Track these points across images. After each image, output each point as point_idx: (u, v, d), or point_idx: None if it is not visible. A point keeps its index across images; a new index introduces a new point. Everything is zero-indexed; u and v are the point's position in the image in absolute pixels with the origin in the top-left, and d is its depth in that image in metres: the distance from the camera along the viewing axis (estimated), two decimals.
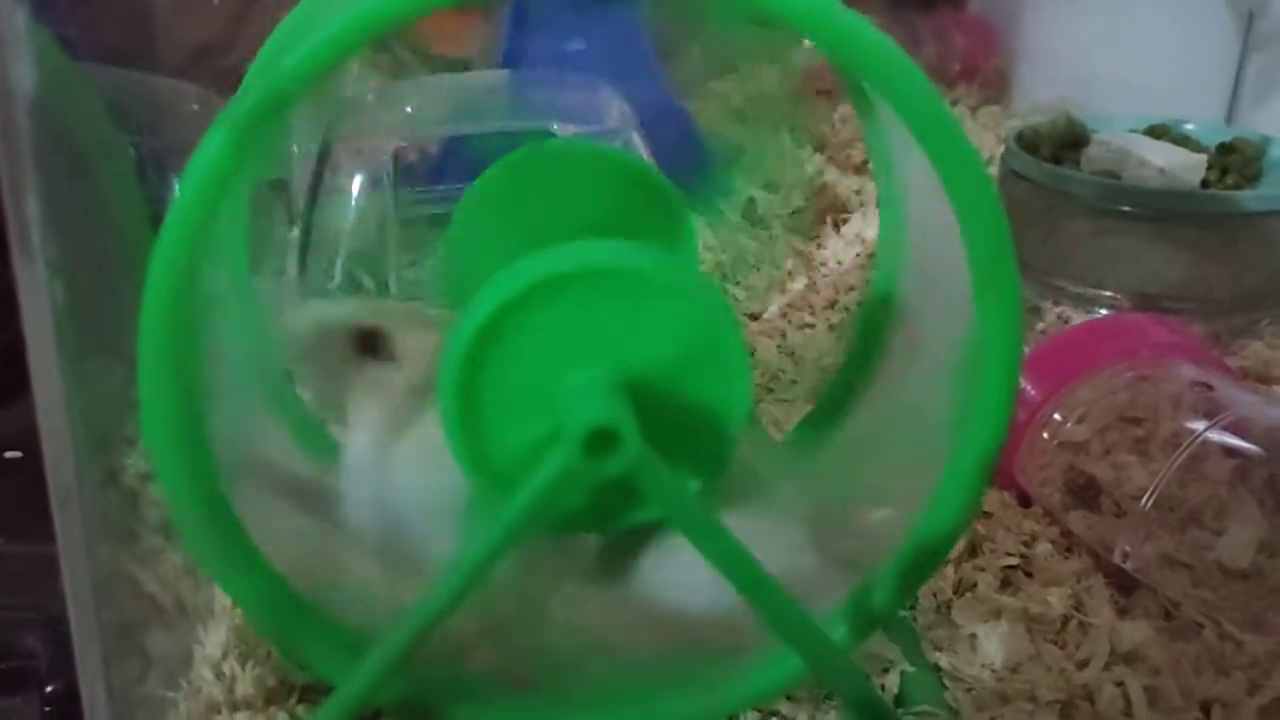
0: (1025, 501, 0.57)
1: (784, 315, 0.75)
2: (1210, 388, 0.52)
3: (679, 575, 0.39)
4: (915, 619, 0.49)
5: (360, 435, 0.41)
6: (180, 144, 0.66)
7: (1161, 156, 0.74)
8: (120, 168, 0.58)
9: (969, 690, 0.45)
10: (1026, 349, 0.37)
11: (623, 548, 0.40)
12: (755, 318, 0.75)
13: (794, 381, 0.68)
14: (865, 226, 0.84)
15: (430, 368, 0.36)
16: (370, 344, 0.41)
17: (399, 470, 0.40)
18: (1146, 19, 1.06)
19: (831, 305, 0.76)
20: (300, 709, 0.43)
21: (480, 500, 0.37)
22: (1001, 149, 0.82)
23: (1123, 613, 0.49)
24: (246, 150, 0.32)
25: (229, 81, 0.82)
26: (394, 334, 0.41)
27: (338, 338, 0.41)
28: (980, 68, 1.18)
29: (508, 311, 0.33)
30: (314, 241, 0.68)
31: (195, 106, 0.73)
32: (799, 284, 0.79)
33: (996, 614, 0.49)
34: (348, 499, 0.41)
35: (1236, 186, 0.75)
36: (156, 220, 0.33)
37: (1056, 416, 0.54)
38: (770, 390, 0.67)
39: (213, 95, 0.76)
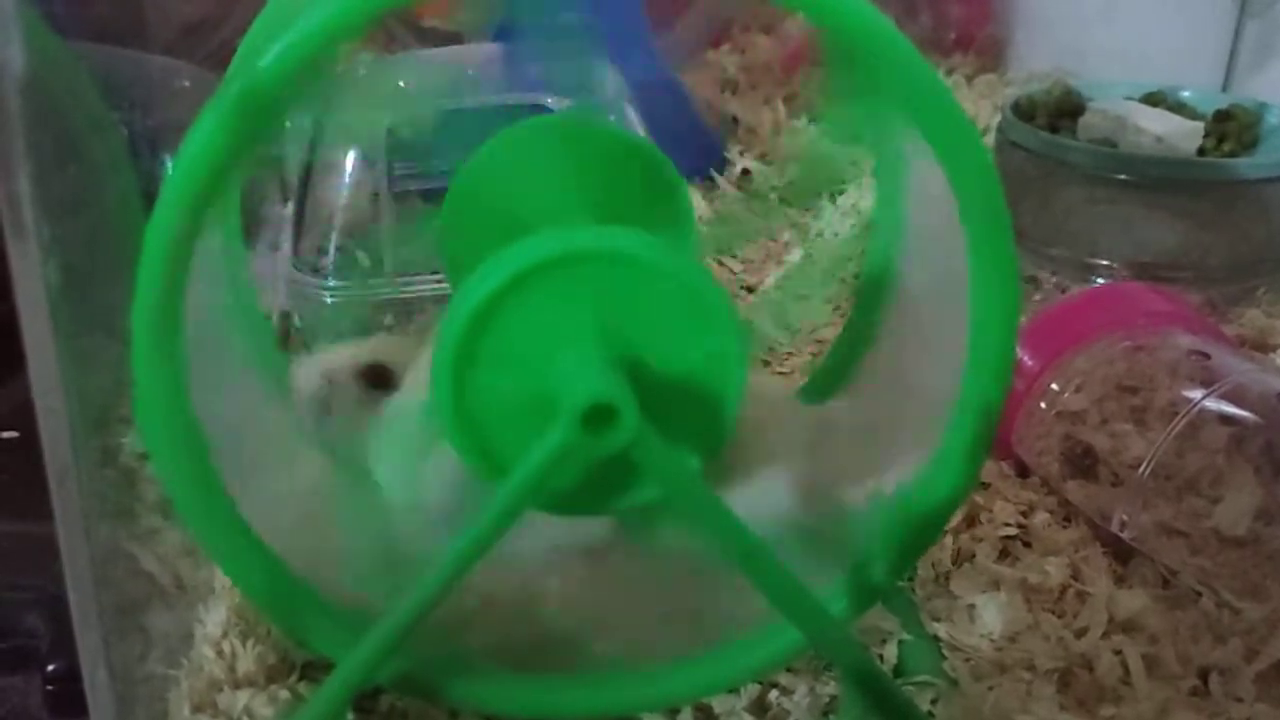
0: (1023, 471, 0.57)
1: (780, 287, 0.75)
2: (1207, 356, 0.52)
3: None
4: (914, 590, 0.49)
5: (389, 469, 0.42)
6: (172, 122, 0.66)
7: (1158, 124, 0.74)
8: (111, 146, 0.58)
9: (968, 660, 0.45)
10: (1023, 319, 0.36)
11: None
12: (751, 289, 0.75)
13: (790, 353, 0.68)
14: (861, 197, 0.84)
15: None
16: (378, 379, 0.42)
17: (431, 490, 0.41)
18: None
19: (828, 277, 0.76)
20: (301, 686, 0.43)
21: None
22: (997, 118, 0.82)
23: (1120, 581, 0.50)
24: (239, 137, 0.31)
25: (220, 58, 0.82)
26: (397, 364, 0.42)
27: (347, 383, 0.42)
28: (975, 36, 1.18)
29: (503, 293, 0.33)
30: (308, 217, 0.68)
31: (186, 84, 0.73)
32: (795, 255, 0.78)
33: (995, 584, 0.49)
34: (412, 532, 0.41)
35: (1233, 154, 0.75)
36: (149, 198, 0.32)
37: (1054, 386, 0.54)
38: (767, 362, 0.67)
39: (204, 72, 0.76)
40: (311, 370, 0.43)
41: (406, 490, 0.41)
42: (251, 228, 0.67)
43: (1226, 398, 0.49)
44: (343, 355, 0.43)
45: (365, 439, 0.42)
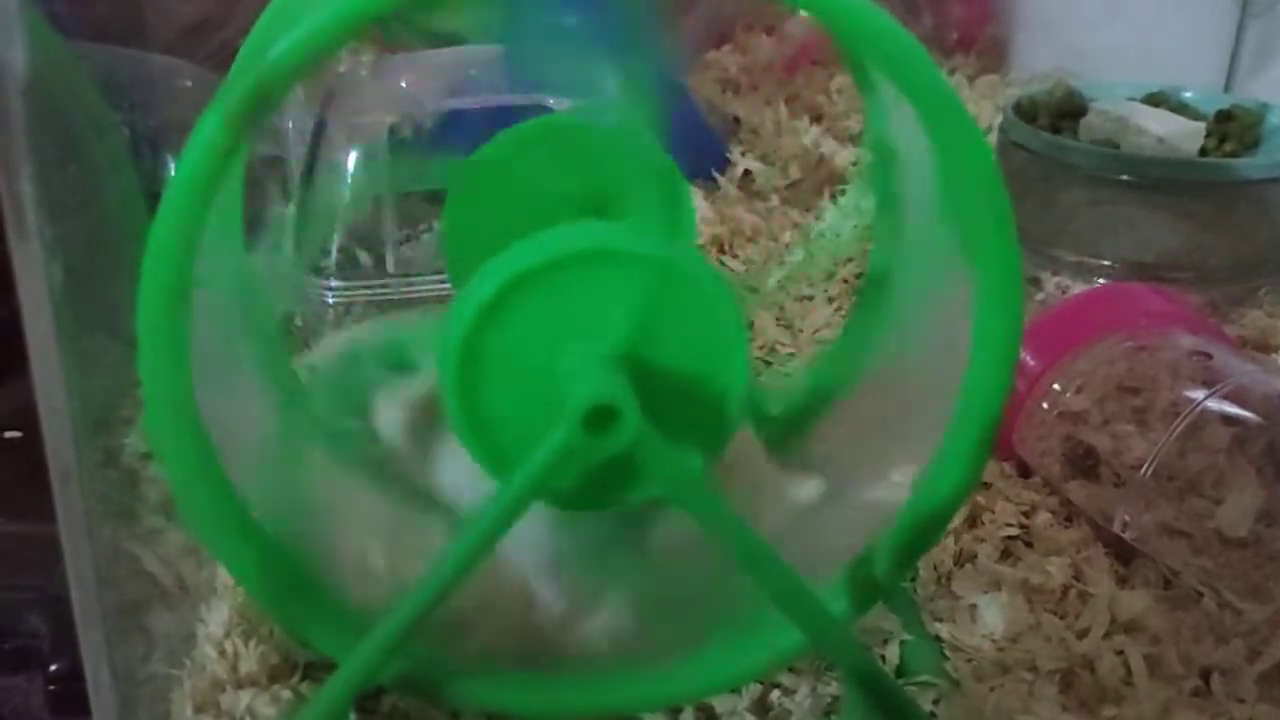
0: (1025, 472, 0.57)
1: (782, 287, 0.75)
2: (1209, 356, 0.52)
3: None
4: (915, 590, 0.49)
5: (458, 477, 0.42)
6: (173, 121, 0.66)
7: (1160, 125, 0.74)
8: (113, 145, 0.58)
9: (970, 660, 0.45)
10: (1025, 319, 0.36)
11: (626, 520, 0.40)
12: (753, 290, 0.75)
13: (792, 354, 0.68)
14: (863, 197, 0.84)
15: None
16: (403, 364, 0.42)
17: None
18: None
19: (829, 277, 0.75)
20: (304, 686, 0.43)
21: None
22: (999, 118, 0.82)
23: (1122, 582, 0.50)
24: (240, 135, 0.31)
25: (221, 58, 0.82)
26: (420, 354, 0.42)
27: (427, 409, 0.42)
28: (977, 36, 1.18)
29: (508, 292, 0.33)
30: (310, 218, 0.68)
31: (188, 83, 0.73)
32: (797, 256, 0.78)
33: (996, 584, 0.49)
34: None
35: (1235, 154, 0.75)
36: (151, 198, 0.32)
37: (1055, 387, 0.54)
38: (768, 363, 0.67)
39: (205, 72, 0.76)
40: (397, 403, 0.43)
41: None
42: (252, 228, 0.67)
43: (1228, 398, 0.49)
44: (426, 382, 0.43)
45: (441, 457, 0.43)
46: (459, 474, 0.41)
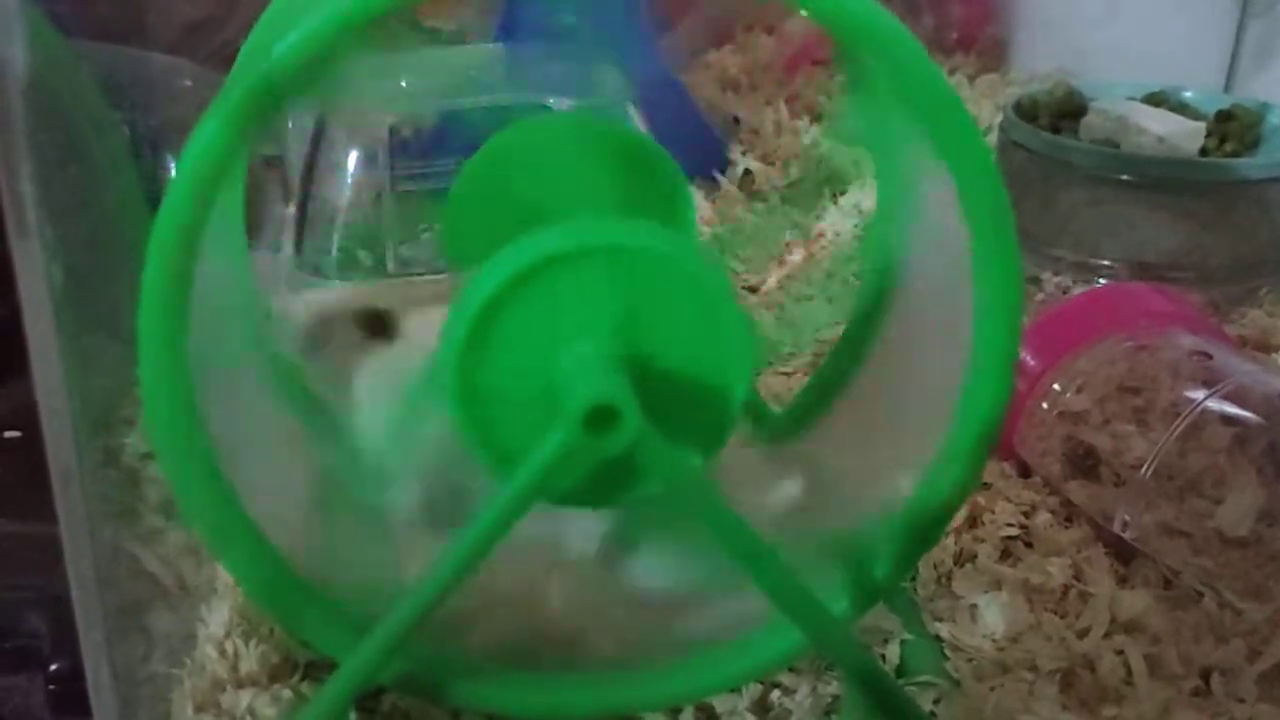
0: (1025, 472, 0.57)
1: (782, 287, 0.75)
2: (1209, 356, 0.52)
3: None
4: (916, 590, 0.49)
5: (372, 415, 0.42)
6: (173, 121, 0.66)
7: (1160, 124, 0.74)
8: (114, 145, 0.58)
9: (970, 660, 0.45)
10: (1026, 319, 0.36)
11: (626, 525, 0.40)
12: (753, 290, 0.75)
13: (793, 353, 0.67)
14: (863, 197, 0.84)
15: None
16: (377, 326, 0.41)
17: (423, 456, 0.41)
18: None
19: (830, 277, 0.75)
20: (304, 686, 0.43)
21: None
22: (999, 118, 0.82)
23: (1122, 582, 0.50)
24: (242, 139, 0.31)
25: (222, 58, 0.82)
26: (397, 314, 0.41)
27: (339, 323, 0.41)
28: (978, 36, 1.18)
29: (508, 290, 0.33)
30: (310, 217, 0.68)
31: (188, 83, 0.73)
32: (797, 256, 0.78)
33: (997, 584, 0.49)
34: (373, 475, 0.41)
35: (1235, 154, 0.75)
36: (151, 197, 0.32)
37: (1056, 387, 0.54)
38: (769, 363, 0.67)
39: (206, 71, 0.76)
40: (308, 303, 0.43)
41: (390, 445, 0.41)
42: (253, 228, 0.67)
43: (1229, 398, 0.49)
44: (344, 295, 0.43)
45: (356, 381, 0.42)
46: (383, 411, 0.41)
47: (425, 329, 0.41)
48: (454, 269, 0.47)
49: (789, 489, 0.43)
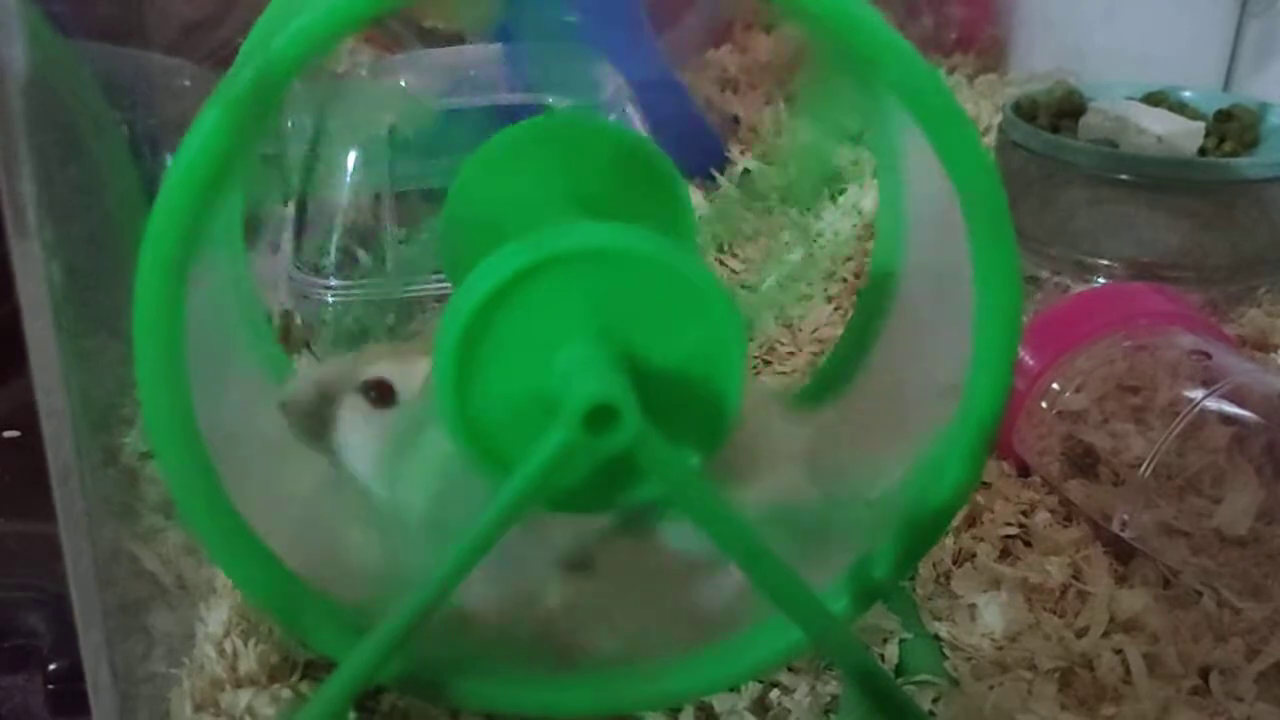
0: (1024, 471, 0.57)
1: (782, 287, 0.75)
2: (1208, 356, 0.52)
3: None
4: (915, 589, 0.49)
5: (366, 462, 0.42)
6: (173, 120, 0.66)
7: (1159, 124, 0.74)
8: (113, 145, 0.58)
9: (969, 659, 0.45)
10: (1025, 319, 0.36)
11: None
12: (752, 289, 0.75)
13: (792, 353, 0.68)
14: (862, 197, 0.84)
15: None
16: (380, 396, 0.42)
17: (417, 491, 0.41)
18: None
19: (829, 276, 0.76)
20: (304, 685, 0.43)
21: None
22: (999, 117, 0.82)
23: (1121, 581, 0.50)
24: (241, 132, 0.31)
25: (221, 57, 0.82)
26: (396, 379, 0.42)
27: (342, 398, 0.42)
28: (977, 36, 1.18)
29: (504, 290, 0.33)
30: (309, 217, 0.68)
31: (187, 82, 0.73)
32: (796, 255, 0.78)
33: (996, 583, 0.49)
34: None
35: (1234, 154, 0.75)
36: (151, 197, 0.32)
37: (1055, 386, 0.54)
38: (768, 362, 0.67)
39: (205, 71, 0.76)
40: (304, 382, 0.43)
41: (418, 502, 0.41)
42: (252, 228, 0.67)
43: (1228, 397, 0.49)
44: (338, 367, 0.43)
45: (361, 453, 0.42)
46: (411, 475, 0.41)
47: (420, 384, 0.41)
48: (450, 269, 0.47)
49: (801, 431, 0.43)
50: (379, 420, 0.42)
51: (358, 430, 0.42)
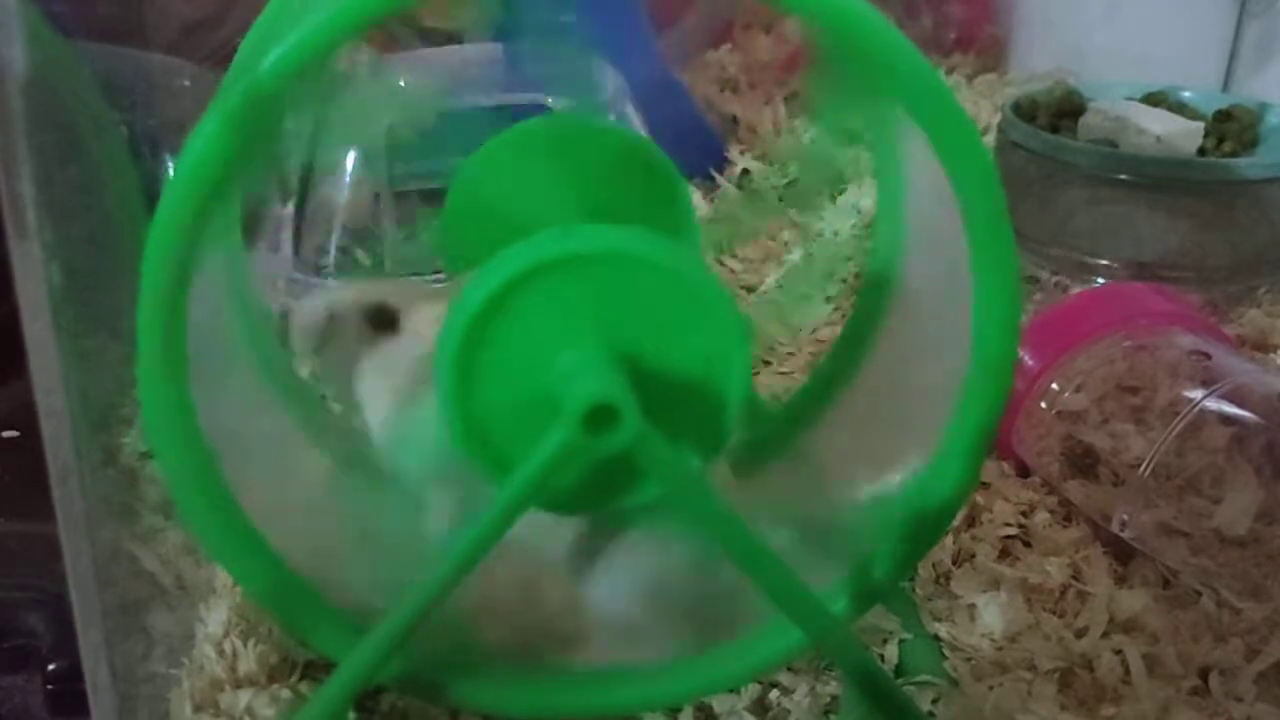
0: (1023, 471, 0.57)
1: (781, 287, 0.75)
2: (1208, 356, 0.52)
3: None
4: (914, 590, 0.49)
5: (375, 415, 0.42)
6: (172, 120, 0.66)
7: (1158, 124, 0.74)
8: (113, 145, 0.58)
9: (968, 660, 0.45)
10: (1024, 319, 0.36)
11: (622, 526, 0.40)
12: (752, 289, 0.75)
13: (791, 353, 0.68)
14: (861, 197, 0.84)
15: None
16: (381, 320, 0.42)
17: (413, 442, 0.41)
18: None
19: (828, 276, 0.76)
20: (303, 685, 0.43)
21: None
22: (998, 117, 0.82)
23: (1121, 581, 0.50)
24: (241, 139, 0.31)
25: (220, 57, 0.82)
26: (401, 308, 0.42)
27: (349, 321, 0.42)
28: (977, 36, 1.18)
29: (505, 294, 0.33)
30: (308, 217, 0.68)
31: (187, 83, 0.73)
32: (795, 255, 0.78)
33: (995, 584, 0.49)
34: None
35: (1233, 154, 0.75)
36: (150, 197, 0.32)
37: (1054, 386, 0.54)
38: (768, 362, 0.67)
39: (205, 71, 0.76)
40: (316, 302, 0.43)
41: (392, 442, 0.41)
42: (252, 228, 0.67)
43: (1227, 398, 0.49)
44: (349, 291, 0.43)
45: (359, 377, 0.43)
46: (384, 407, 0.41)
47: (427, 324, 0.41)
48: (451, 268, 0.47)
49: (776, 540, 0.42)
50: (381, 355, 0.42)
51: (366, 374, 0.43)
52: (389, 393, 0.42)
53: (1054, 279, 0.75)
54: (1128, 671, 0.45)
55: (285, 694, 0.43)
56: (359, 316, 0.42)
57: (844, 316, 0.70)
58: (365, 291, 0.43)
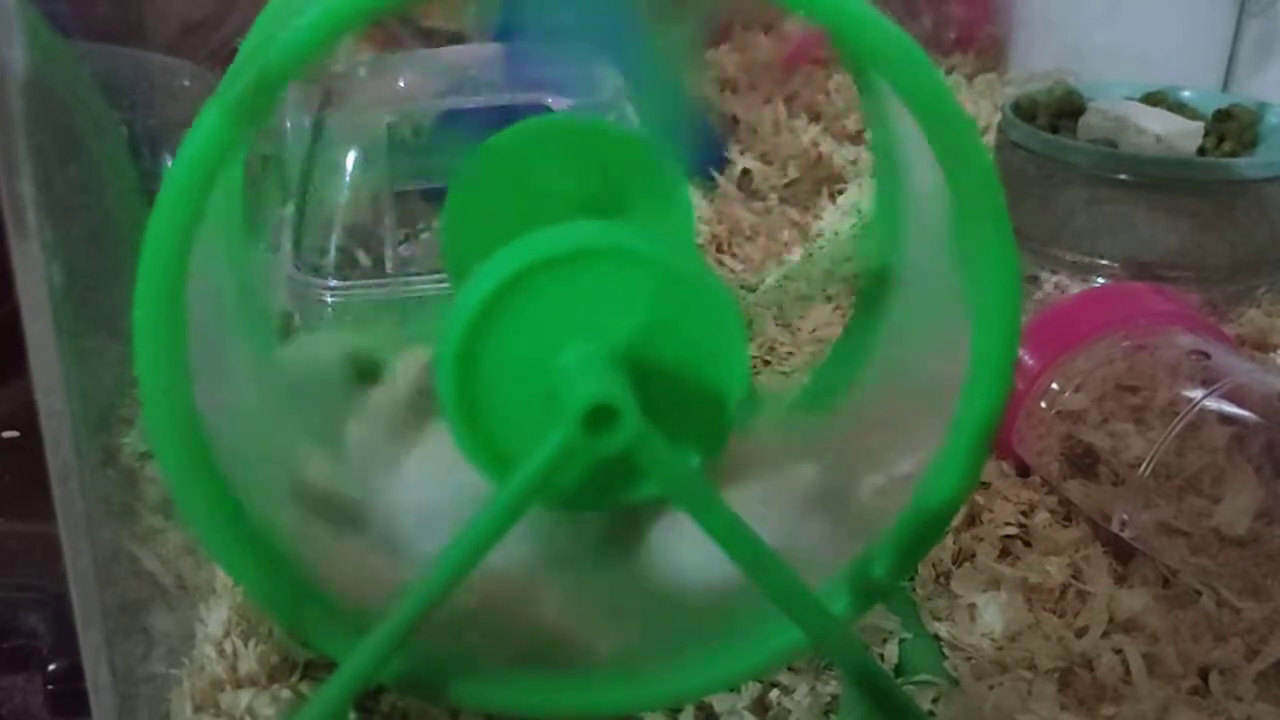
0: (1023, 471, 0.57)
1: (781, 286, 0.75)
2: (1207, 356, 0.52)
3: (684, 551, 0.39)
4: (914, 589, 0.49)
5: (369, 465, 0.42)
6: (172, 120, 0.66)
7: (1158, 124, 0.74)
8: (113, 145, 0.58)
9: (969, 659, 0.45)
10: (1024, 318, 0.36)
11: (626, 522, 0.40)
12: (752, 289, 0.75)
13: (791, 353, 0.68)
14: (861, 197, 0.84)
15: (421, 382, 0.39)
16: (367, 373, 0.42)
17: (404, 489, 0.41)
18: None
19: (829, 276, 0.76)
20: (304, 685, 0.43)
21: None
22: (998, 117, 0.82)
23: (1121, 581, 0.50)
24: (241, 129, 0.32)
25: (220, 57, 0.82)
26: (386, 359, 0.42)
27: (331, 372, 0.42)
28: (976, 35, 1.18)
29: (505, 292, 0.33)
30: (308, 217, 0.68)
31: (187, 82, 0.73)
32: (795, 255, 0.78)
33: (995, 583, 0.49)
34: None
35: (1233, 153, 0.75)
36: (150, 197, 0.32)
37: (1054, 386, 0.54)
38: (768, 362, 0.67)
39: (204, 71, 0.76)
40: (300, 354, 0.43)
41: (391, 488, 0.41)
42: (251, 228, 0.67)
43: (1227, 397, 0.49)
44: (331, 343, 0.44)
45: (336, 427, 0.43)
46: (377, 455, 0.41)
47: (412, 370, 0.42)
48: (451, 269, 0.47)
49: (806, 473, 0.43)
50: (368, 405, 0.42)
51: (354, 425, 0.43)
52: (384, 441, 0.42)
53: (1054, 279, 0.75)
54: (1128, 671, 0.45)
55: (286, 694, 0.43)
56: (341, 369, 0.43)
57: (844, 316, 0.70)
58: (341, 343, 0.43)
